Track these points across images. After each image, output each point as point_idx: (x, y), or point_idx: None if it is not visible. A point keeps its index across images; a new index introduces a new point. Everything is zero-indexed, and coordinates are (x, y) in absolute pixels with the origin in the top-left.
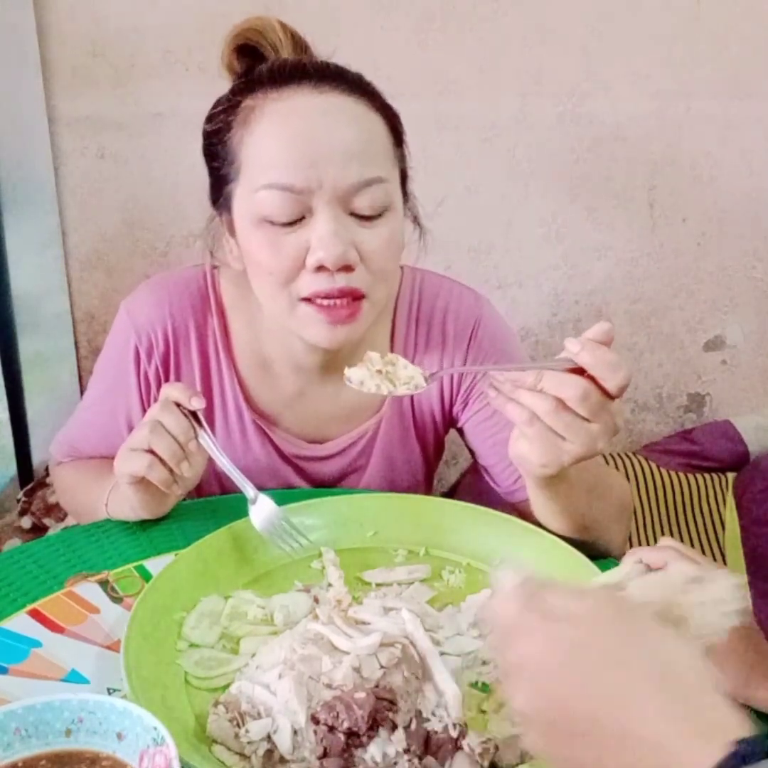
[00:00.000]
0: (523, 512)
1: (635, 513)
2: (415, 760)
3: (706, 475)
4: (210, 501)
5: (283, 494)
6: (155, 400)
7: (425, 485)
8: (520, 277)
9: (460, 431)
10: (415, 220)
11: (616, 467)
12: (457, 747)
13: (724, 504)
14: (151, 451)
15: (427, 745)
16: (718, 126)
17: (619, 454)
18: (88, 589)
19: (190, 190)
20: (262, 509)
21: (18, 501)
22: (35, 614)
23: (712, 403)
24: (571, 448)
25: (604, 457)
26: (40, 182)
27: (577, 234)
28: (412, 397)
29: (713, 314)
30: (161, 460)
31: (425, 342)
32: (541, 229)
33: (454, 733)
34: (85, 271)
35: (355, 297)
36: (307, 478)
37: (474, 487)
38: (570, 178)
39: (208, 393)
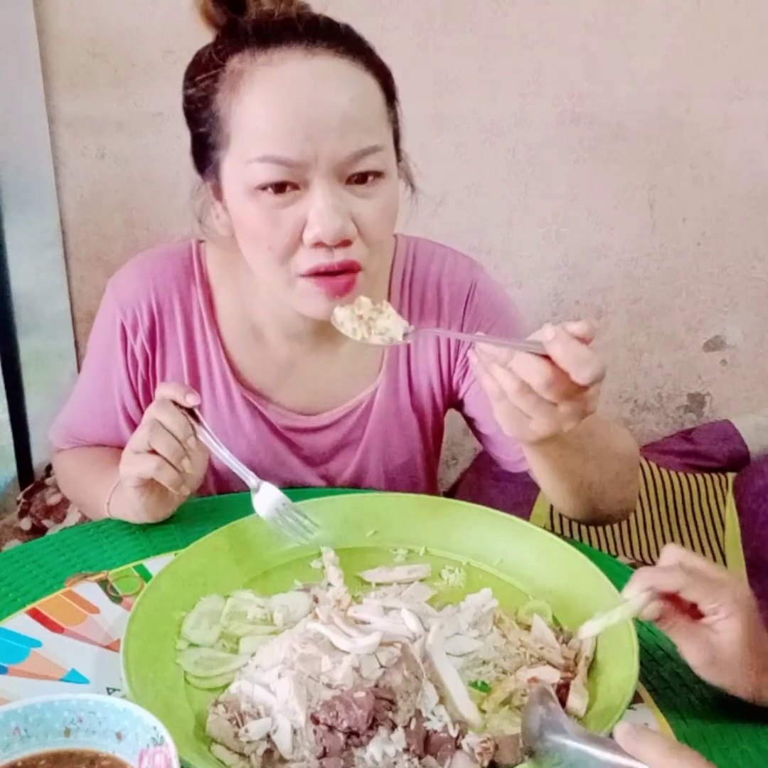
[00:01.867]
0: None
1: (635, 513)
2: (415, 760)
3: (706, 475)
4: (210, 501)
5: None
6: (143, 376)
7: (426, 482)
8: (520, 277)
9: (461, 405)
10: (408, 179)
11: None
12: (457, 746)
13: (724, 504)
14: (154, 452)
15: (427, 744)
16: (718, 126)
17: None
18: (88, 589)
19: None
20: (265, 497)
21: (18, 502)
22: (35, 614)
23: (712, 403)
24: (535, 427)
25: None
26: (40, 182)
27: (577, 234)
28: (408, 368)
29: (713, 314)
30: (167, 460)
31: (420, 307)
32: (541, 229)
33: (453, 733)
34: (85, 271)
35: (353, 270)
36: (299, 453)
37: (474, 487)
38: (570, 178)
39: (194, 367)
